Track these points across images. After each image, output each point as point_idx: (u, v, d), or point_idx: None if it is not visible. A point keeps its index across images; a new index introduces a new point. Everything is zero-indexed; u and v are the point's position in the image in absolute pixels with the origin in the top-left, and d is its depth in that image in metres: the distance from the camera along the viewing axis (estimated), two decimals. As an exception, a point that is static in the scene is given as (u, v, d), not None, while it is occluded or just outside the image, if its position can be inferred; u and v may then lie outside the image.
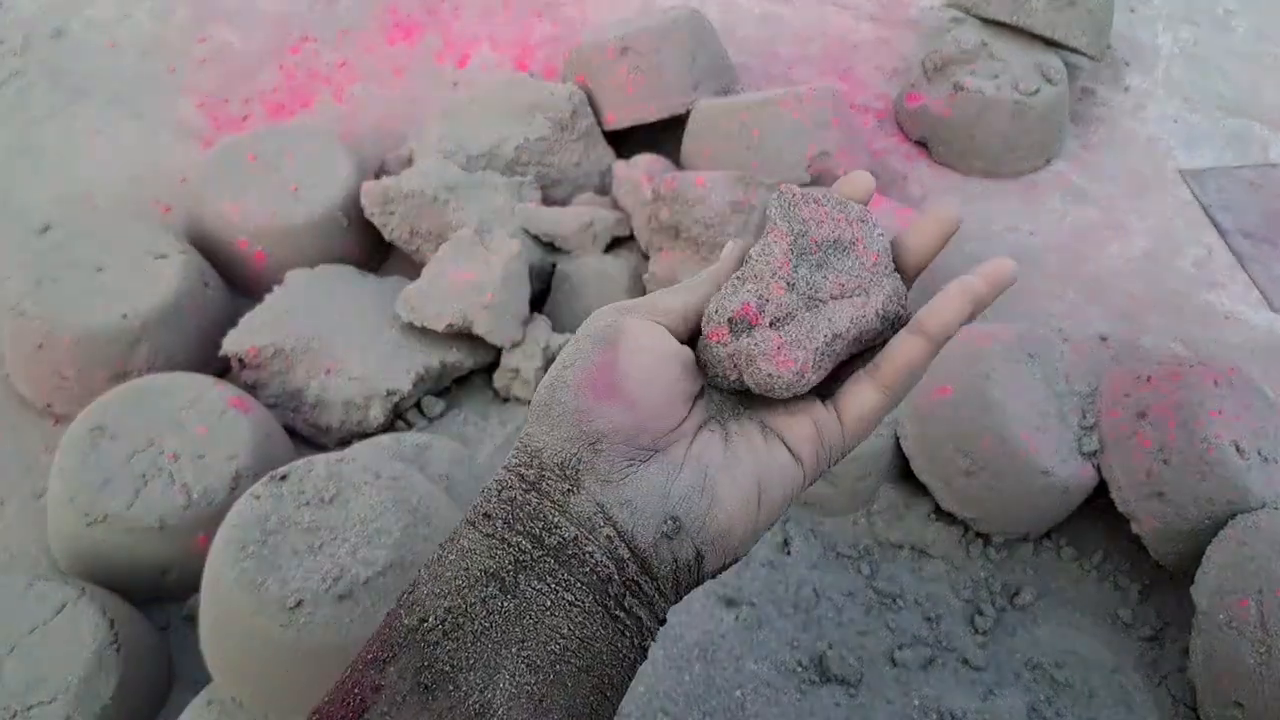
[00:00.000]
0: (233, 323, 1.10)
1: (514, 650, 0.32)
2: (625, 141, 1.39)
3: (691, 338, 0.39)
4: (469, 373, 1.15)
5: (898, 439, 1.05)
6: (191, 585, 0.92)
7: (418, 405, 1.12)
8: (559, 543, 0.33)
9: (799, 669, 0.94)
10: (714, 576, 0.37)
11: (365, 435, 1.06)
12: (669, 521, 0.34)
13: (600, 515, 0.34)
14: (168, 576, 0.94)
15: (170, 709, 0.90)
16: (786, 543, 1.04)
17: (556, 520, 0.33)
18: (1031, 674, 0.96)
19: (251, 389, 1.08)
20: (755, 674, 0.93)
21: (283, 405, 1.08)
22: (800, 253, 0.39)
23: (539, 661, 0.32)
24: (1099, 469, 1.02)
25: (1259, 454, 0.96)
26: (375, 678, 0.32)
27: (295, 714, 0.78)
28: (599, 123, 1.36)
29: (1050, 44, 1.49)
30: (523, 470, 0.35)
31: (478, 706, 0.31)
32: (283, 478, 0.84)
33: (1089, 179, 1.50)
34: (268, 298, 1.12)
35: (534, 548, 0.33)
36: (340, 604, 0.74)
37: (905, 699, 0.93)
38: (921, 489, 1.06)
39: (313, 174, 1.23)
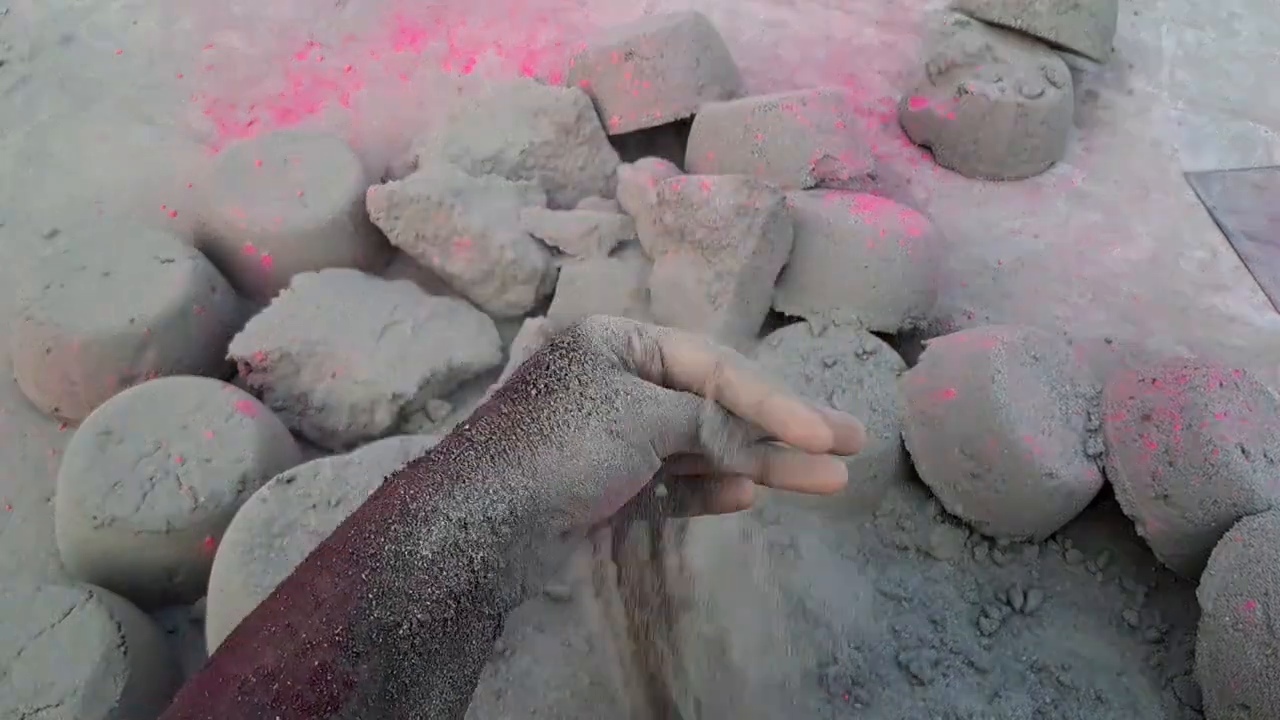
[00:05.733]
0: (240, 327, 1.11)
1: (446, 671, 0.34)
2: (630, 145, 1.39)
3: None
4: (475, 376, 1.15)
5: (903, 442, 1.05)
6: (199, 588, 0.92)
7: (424, 409, 1.12)
8: (491, 588, 0.36)
9: (803, 671, 0.94)
10: None
11: (371, 438, 1.07)
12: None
13: (520, 580, 0.37)
14: (175, 579, 0.95)
15: (177, 711, 0.90)
16: (792, 545, 1.04)
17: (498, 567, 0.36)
18: (1037, 676, 0.96)
19: (258, 393, 1.08)
20: (759, 675, 0.93)
21: (289, 409, 1.08)
22: None
23: (459, 682, 0.35)
24: (1104, 471, 1.02)
25: (1265, 456, 0.96)
26: (348, 671, 0.32)
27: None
28: (604, 127, 1.36)
29: (1054, 47, 1.50)
30: (503, 513, 0.36)
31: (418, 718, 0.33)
32: (289, 480, 0.84)
33: (1093, 182, 1.50)
34: (274, 302, 1.12)
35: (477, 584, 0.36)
36: (347, 606, 0.74)
37: (911, 701, 0.93)
38: (927, 492, 1.06)
39: (319, 179, 1.24)
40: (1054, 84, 1.44)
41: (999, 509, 1.01)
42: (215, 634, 0.81)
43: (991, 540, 1.06)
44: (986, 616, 1.00)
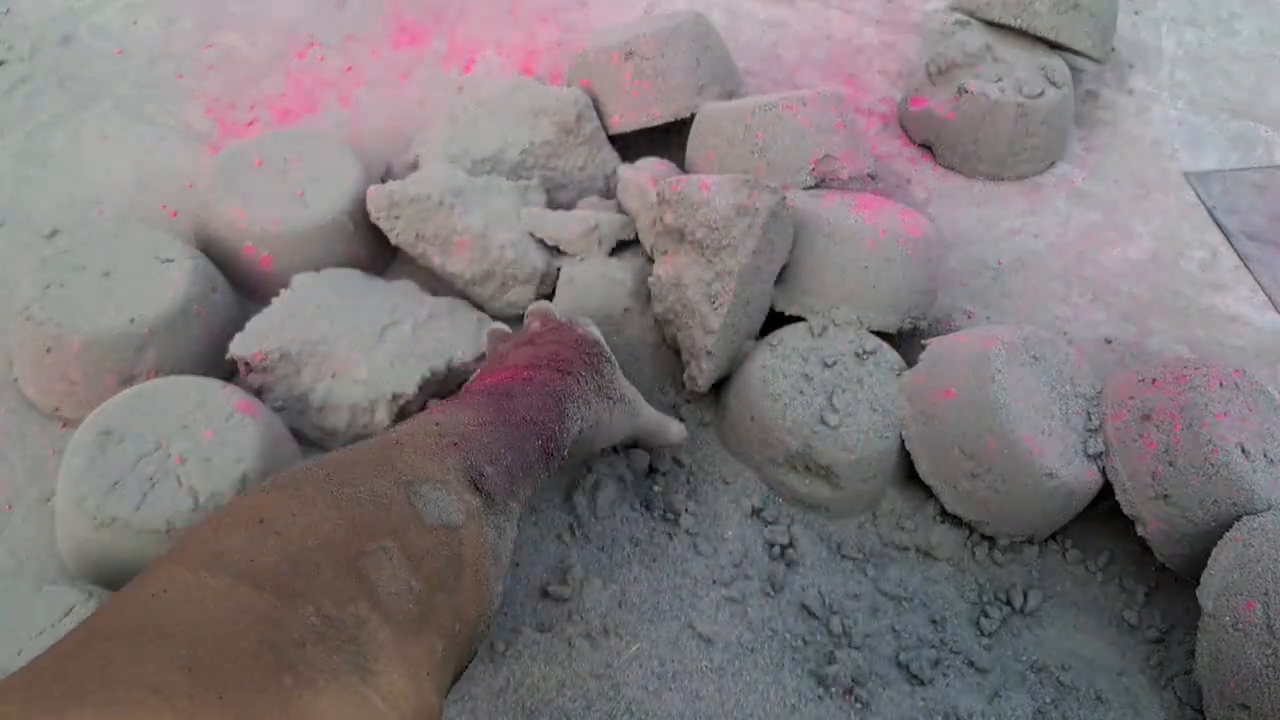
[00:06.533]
0: (240, 327, 1.10)
1: None
2: (630, 145, 1.39)
3: None
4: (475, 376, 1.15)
5: (903, 442, 1.05)
6: (199, 588, 0.92)
7: (424, 409, 1.12)
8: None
9: (803, 672, 0.94)
10: None
11: (371, 438, 1.06)
12: None
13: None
14: (175, 579, 0.95)
15: (178, 711, 0.90)
16: (792, 544, 1.04)
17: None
18: (1037, 676, 0.96)
19: (258, 392, 1.08)
20: (759, 677, 0.93)
21: (289, 408, 1.08)
22: None
23: None
24: (1104, 471, 1.02)
25: (1265, 456, 0.96)
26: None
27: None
28: (604, 127, 1.36)
29: (1054, 47, 1.50)
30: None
31: None
32: (289, 481, 0.84)
33: (1093, 181, 1.50)
34: (274, 301, 1.12)
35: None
36: (347, 606, 0.74)
37: (911, 701, 0.93)
38: (927, 492, 1.06)
39: (319, 179, 1.24)
40: (1054, 84, 1.44)
41: (999, 509, 1.01)
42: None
43: (991, 540, 1.06)
44: (986, 616, 1.00)
